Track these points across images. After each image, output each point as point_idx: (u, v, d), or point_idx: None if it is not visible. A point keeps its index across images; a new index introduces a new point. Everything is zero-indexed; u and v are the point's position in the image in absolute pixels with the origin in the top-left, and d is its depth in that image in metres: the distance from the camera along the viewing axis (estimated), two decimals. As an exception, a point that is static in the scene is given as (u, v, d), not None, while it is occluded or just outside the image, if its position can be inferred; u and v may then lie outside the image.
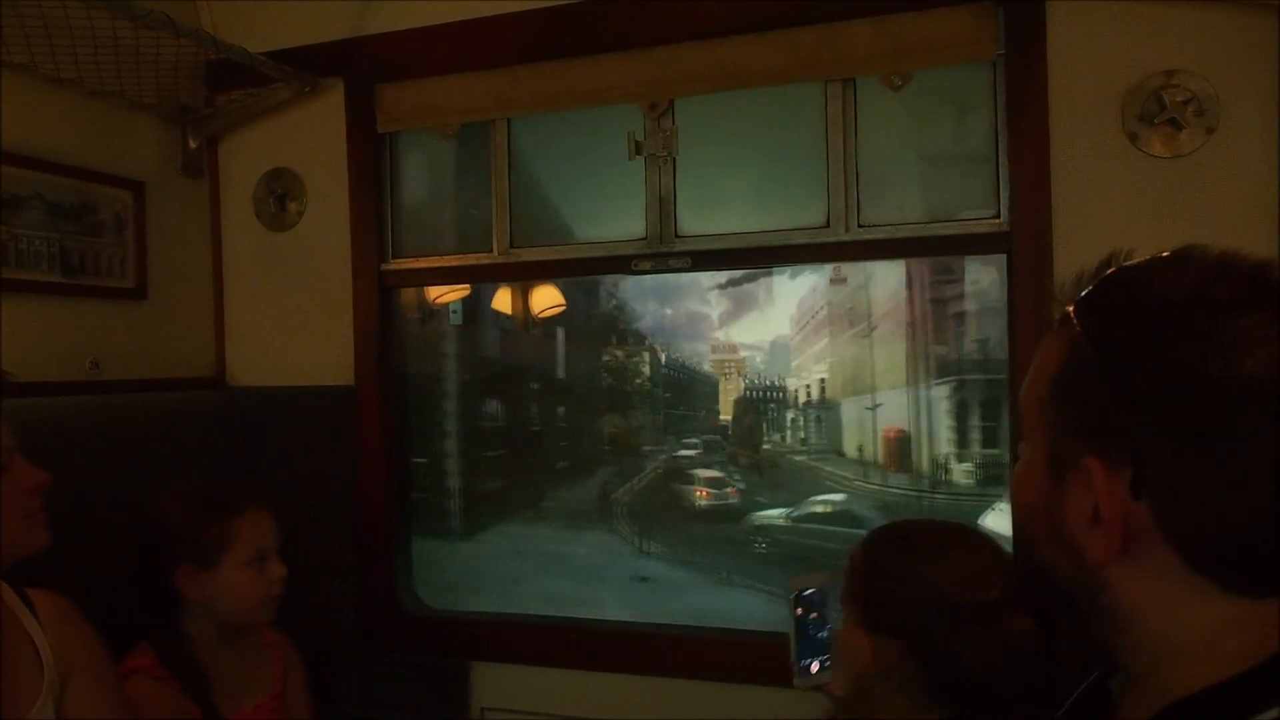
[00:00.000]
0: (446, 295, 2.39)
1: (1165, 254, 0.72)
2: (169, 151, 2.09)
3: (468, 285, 2.43)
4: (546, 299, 3.02)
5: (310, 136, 2.11)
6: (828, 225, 1.83)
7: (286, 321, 2.14)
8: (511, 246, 2.04)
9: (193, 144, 2.10)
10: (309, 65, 2.03)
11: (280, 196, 2.14)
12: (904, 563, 1.19)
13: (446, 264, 2.09)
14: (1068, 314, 0.73)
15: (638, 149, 1.91)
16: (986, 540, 1.23)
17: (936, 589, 1.15)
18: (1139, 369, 0.67)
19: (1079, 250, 0.73)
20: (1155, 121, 1.60)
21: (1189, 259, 0.70)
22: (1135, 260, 0.73)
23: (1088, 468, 0.69)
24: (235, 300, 2.19)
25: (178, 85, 2.02)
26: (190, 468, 1.92)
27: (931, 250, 1.85)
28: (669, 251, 1.92)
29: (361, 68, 2.04)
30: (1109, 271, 0.74)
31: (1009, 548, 1.27)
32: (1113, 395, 0.68)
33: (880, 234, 1.80)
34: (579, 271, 2.08)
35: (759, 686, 1.81)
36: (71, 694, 1.30)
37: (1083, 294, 0.73)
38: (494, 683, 2.01)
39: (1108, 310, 0.71)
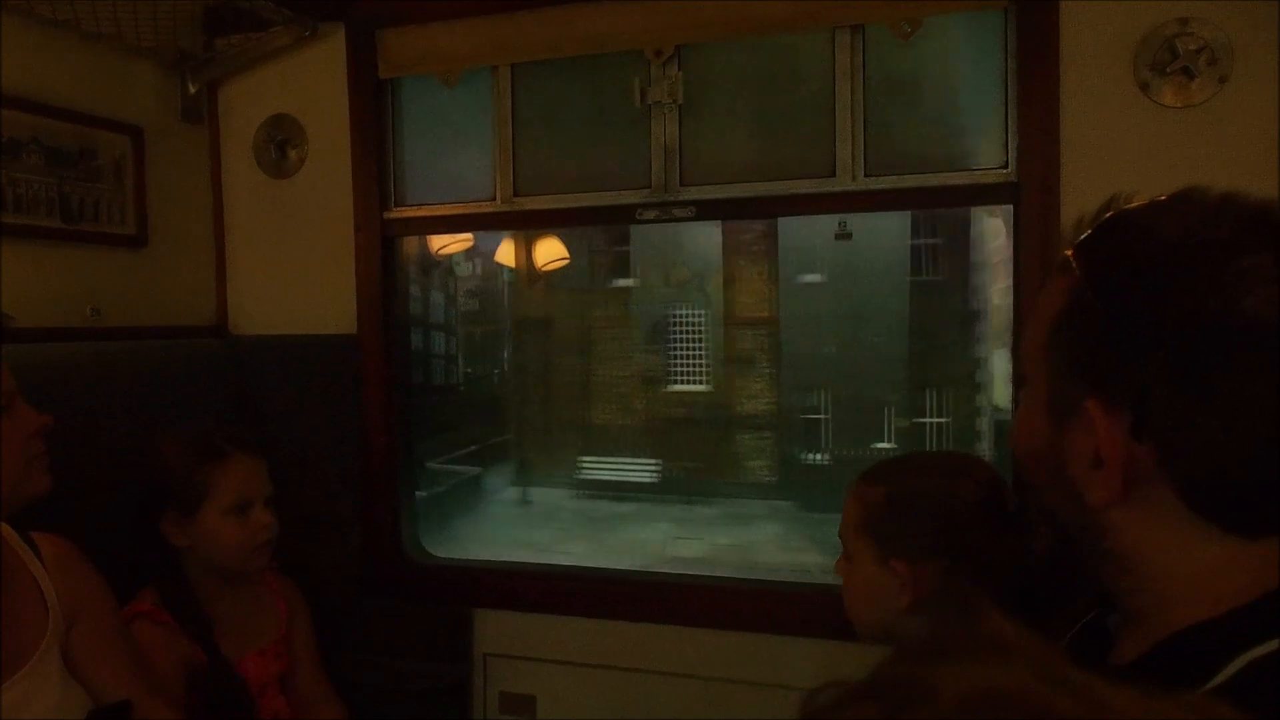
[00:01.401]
0: (449, 246, 2.38)
1: (1165, 197, 0.71)
2: (168, 97, 2.06)
3: (470, 236, 2.42)
4: (550, 252, 3.00)
5: (311, 82, 2.08)
6: (834, 175, 1.82)
7: (288, 270, 2.13)
8: (515, 195, 2.02)
9: (192, 89, 2.08)
10: (310, 9, 1.99)
11: (281, 143, 2.11)
12: (933, 485, 1.20)
13: (449, 212, 2.08)
14: (1067, 258, 0.73)
15: (643, 96, 1.89)
16: (986, 463, 1.26)
17: (969, 503, 1.17)
18: (1138, 311, 0.67)
19: (1087, 202, 0.73)
20: (1167, 70, 1.58)
21: (1189, 201, 0.69)
22: (1135, 204, 0.73)
23: (1088, 411, 0.69)
24: (236, 248, 2.18)
25: (176, 29, 1.99)
26: (191, 416, 1.92)
27: (938, 201, 1.84)
28: (674, 200, 1.90)
29: (363, 12, 2.01)
30: (1108, 215, 0.73)
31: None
32: (1112, 337, 0.68)
33: (887, 184, 1.79)
34: (583, 221, 2.07)
35: (760, 634, 1.84)
36: (77, 637, 1.31)
37: (1081, 238, 0.73)
38: (496, 629, 2.03)
39: (1107, 253, 0.71)
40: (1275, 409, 0.62)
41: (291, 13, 1.97)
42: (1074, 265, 0.72)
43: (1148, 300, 0.67)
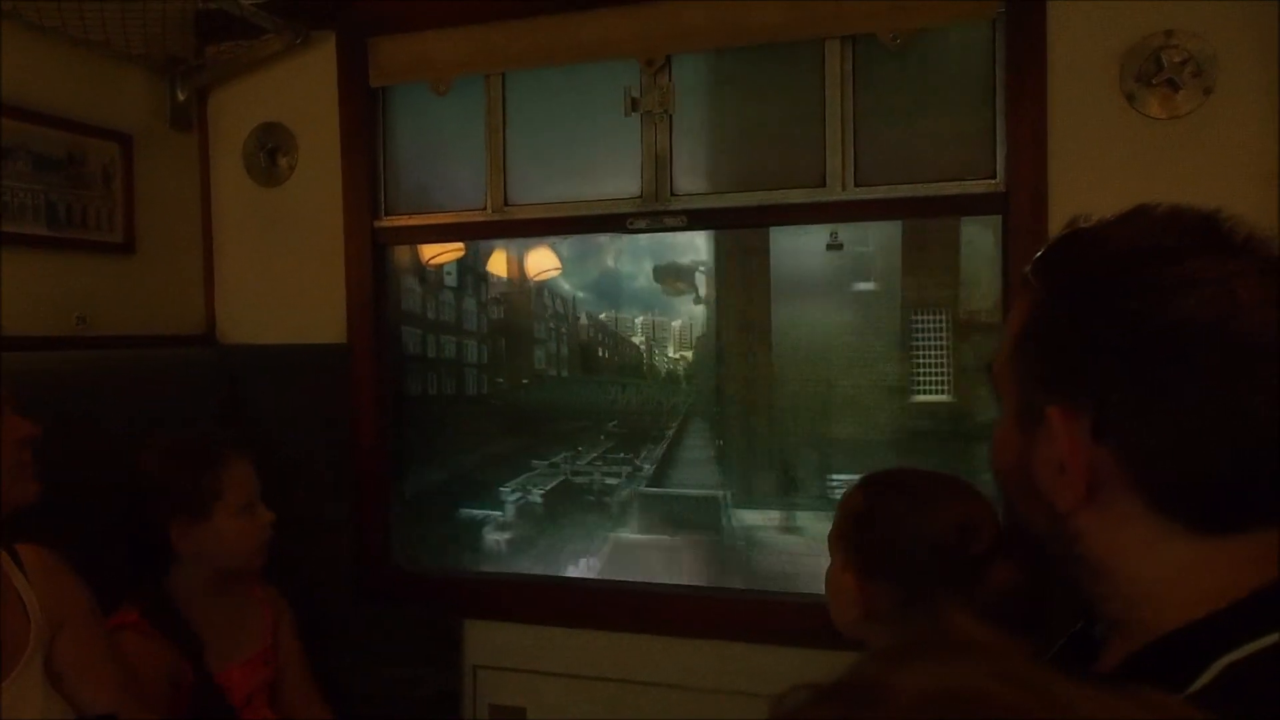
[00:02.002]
0: (441, 256, 2.37)
1: (1117, 214, 0.74)
2: (157, 104, 2.06)
3: (462, 245, 2.42)
4: (542, 262, 3.00)
5: (302, 90, 2.08)
6: (824, 185, 1.83)
7: (278, 278, 2.12)
8: (505, 204, 2.02)
9: (181, 96, 2.07)
10: (301, 17, 2.00)
11: (271, 151, 2.11)
12: (903, 512, 1.20)
13: (440, 221, 2.08)
14: (1026, 275, 0.76)
15: (634, 105, 1.90)
16: (977, 492, 1.24)
17: (932, 540, 1.16)
18: (1091, 316, 0.69)
19: (1074, 212, 0.76)
20: (1153, 82, 1.60)
21: (1138, 214, 0.72)
22: (1091, 222, 0.75)
23: (1050, 417, 0.70)
24: (225, 256, 2.17)
25: (166, 36, 1.98)
26: (180, 425, 1.90)
27: (928, 211, 1.85)
28: (664, 210, 1.91)
29: (354, 20, 2.02)
30: (1064, 231, 0.76)
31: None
32: (1069, 343, 0.70)
33: (877, 194, 1.80)
34: (573, 229, 2.07)
35: (752, 644, 1.84)
36: (60, 648, 1.29)
37: (1038, 254, 0.76)
38: (486, 640, 2.02)
39: (1061, 264, 0.74)
40: (1222, 405, 0.64)
41: (283, 20, 1.97)
42: (1032, 280, 0.75)
43: (1099, 306, 0.69)
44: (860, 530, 1.23)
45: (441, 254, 2.33)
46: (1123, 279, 0.68)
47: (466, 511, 2.97)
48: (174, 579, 1.64)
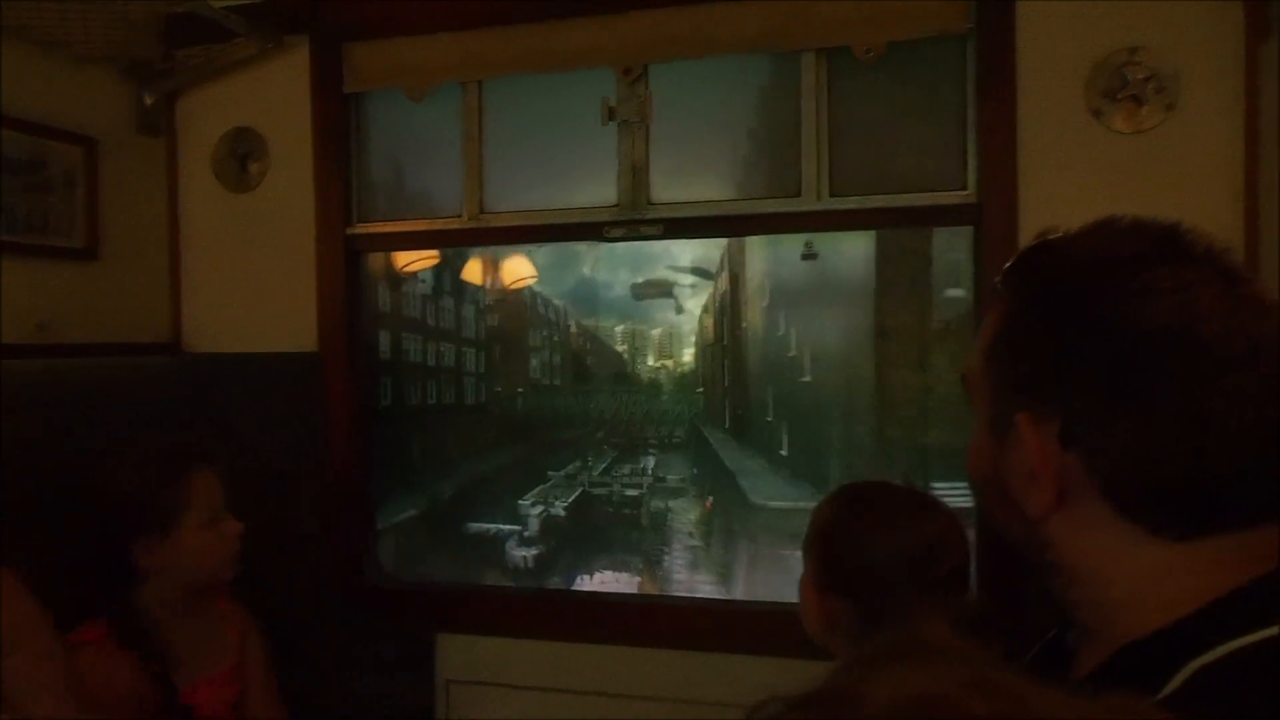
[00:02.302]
0: (414, 263, 2.35)
1: (1084, 226, 0.77)
2: (124, 108, 2.02)
3: (436, 252, 2.40)
4: (518, 270, 2.98)
5: (274, 95, 2.05)
6: (800, 195, 1.85)
7: (247, 285, 2.08)
8: (482, 211, 2.01)
9: (149, 100, 2.03)
10: (274, 21, 1.97)
11: (242, 157, 2.08)
12: (865, 531, 1.20)
13: (415, 228, 2.06)
14: (997, 284, 0.78)
15: (611, 115, 1.91)
16: (948, 514, 1.24)
17: (888, 561, 1.17)
18: (1058, 324, 0.71)
19: (1044, 223, 0.78)
20: (1118, 97, 1.65)
21: (1103, 226, 0.75)
22: (1058, 234, 0.78)
23: (1019, 425, 0.72)
24: (193, 263, 2.13)
25: (134, 38, 1.95)
26: (145, 436, 1.85)
27: (901, 221, 1.88)
28: (641, 218, 1.91)
29: (329, 25, 2.00)
30: (1034, 242, 0.78)
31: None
32: (1037, 352, 0.72)
33: (851, 204, 1.83)
34: (550, 237, 2.06)
35: (730, 654, 1.83)
36: (11, 668, 1.25)
37: (1007, 265, 0.78)
38: (459, 654, 1.99)
39: (1030, 274, 0.76)
40: (1180, 413, 0.65)
41: (255, 24, 1.94)
42: (1002, 289, 0.77)
43: (1065, 315, 0.71)
44: (824, 545, 1.24)
45: (415, 261, 2.31)
46: (1088, 288, 0.70)
47: (478, 526, 2.90)
48: (140, 594, 1.59)
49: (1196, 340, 0.65)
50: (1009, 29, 1.69)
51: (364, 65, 2.01)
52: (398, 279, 2.49)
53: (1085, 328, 0.69)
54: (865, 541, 1.19)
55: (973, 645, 0.44)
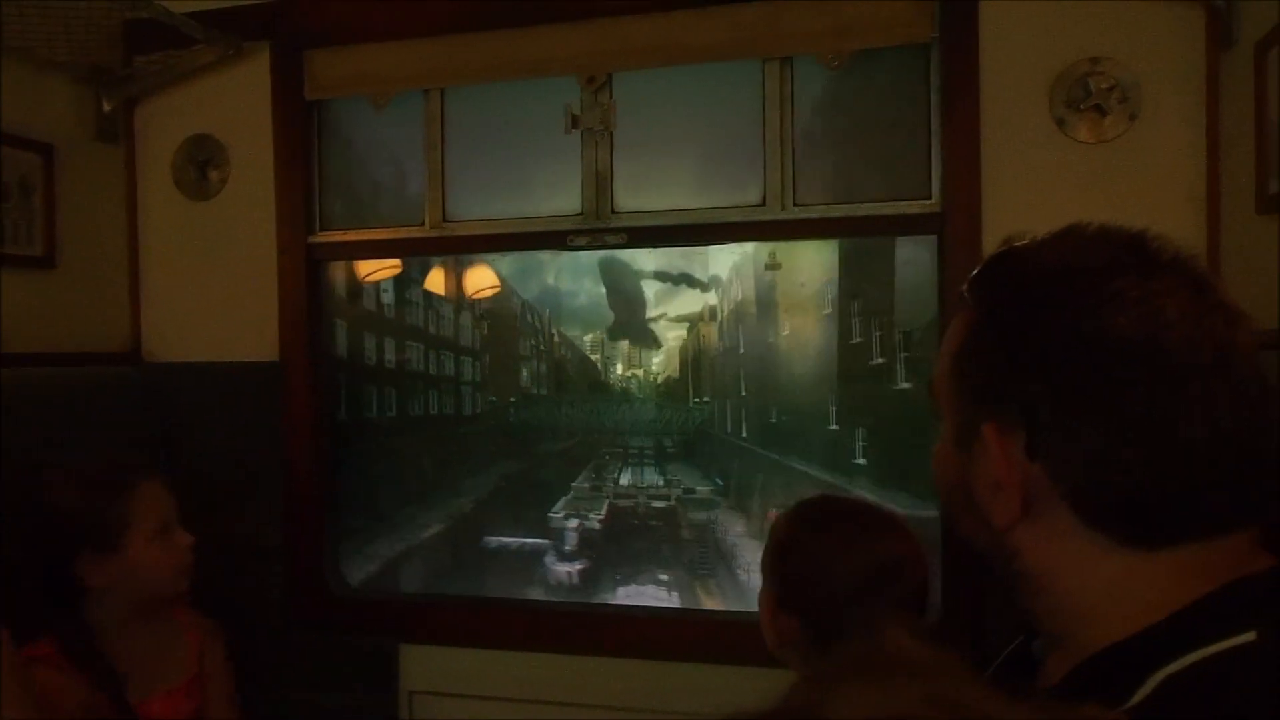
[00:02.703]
0: (377, 273, 2.33)
1: (1050, 233, 0.76)
2: (82, 114, 1.99)
3: (399, 262, 2.38)
4: (481, 280, 2.96)
5: (235, 102, 2.03)
6: (764, 204, 1.84)
7: (208, 294, 2.06)
8: (444, 220, 1.99)
9: (108, 107, 2.01)
10: (235, 27, 1.95)
11: (202, 164, 2.05)
12: (818, 552, 1.19)
13: (377, 237, 2.04)
14: (963, 293, 0.78)
15: (574, 123, 1.89)
16: (907, 534, 1.23)
17: (841, 581, 1.16)
18: (1023, 334, 0.70)
19: (1008, 233, 0.77)
20: (1081, 107, 1.64)
21: (1069, 234, 0.74)
22: (1024, 241, 0.77)
23: (985, 435, 0.71)
24: (152, 271, 2.10)
25: (92, 44, 1.92)
26: (104, 447, 1.84)
27: (865, 230, 1.87)
28: (605, 227, 1.90)
29: (290, 32, 1.98)
30: (998, 250, 0.78)
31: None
32: (1002, 361, 0.72)
33: (815, 213, 1.82)
34: (513, 246, 2.05)
35: (696, 664, 1.82)
36: None
37: (973, 273, 0.78)
38: (423, 665, 1.97)
39: (994, 283, 0.75)
40: (1147, 421, 0.65)
41: (215, 31, 1.92)
42: (967, 298, 0.77)
43: (1030, 324, 0.70)
44: (779, 561, 1.23)
45: (378, 270, 2.30)
46: (1053, 298, 0.70)
47: (498, 540, 2.83)
48: (90, 609, 1.56)
49: (1162, 349, 0.65)
50: (973, 38, 1.68)
51: (325, 72, 1.99)
52: (361, 288, 2.47)
53: (1050, 338, 0.68)
54: (819, 560, 1.18)
55: (935, 655, 0.43)
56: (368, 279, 2.34)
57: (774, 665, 1.27)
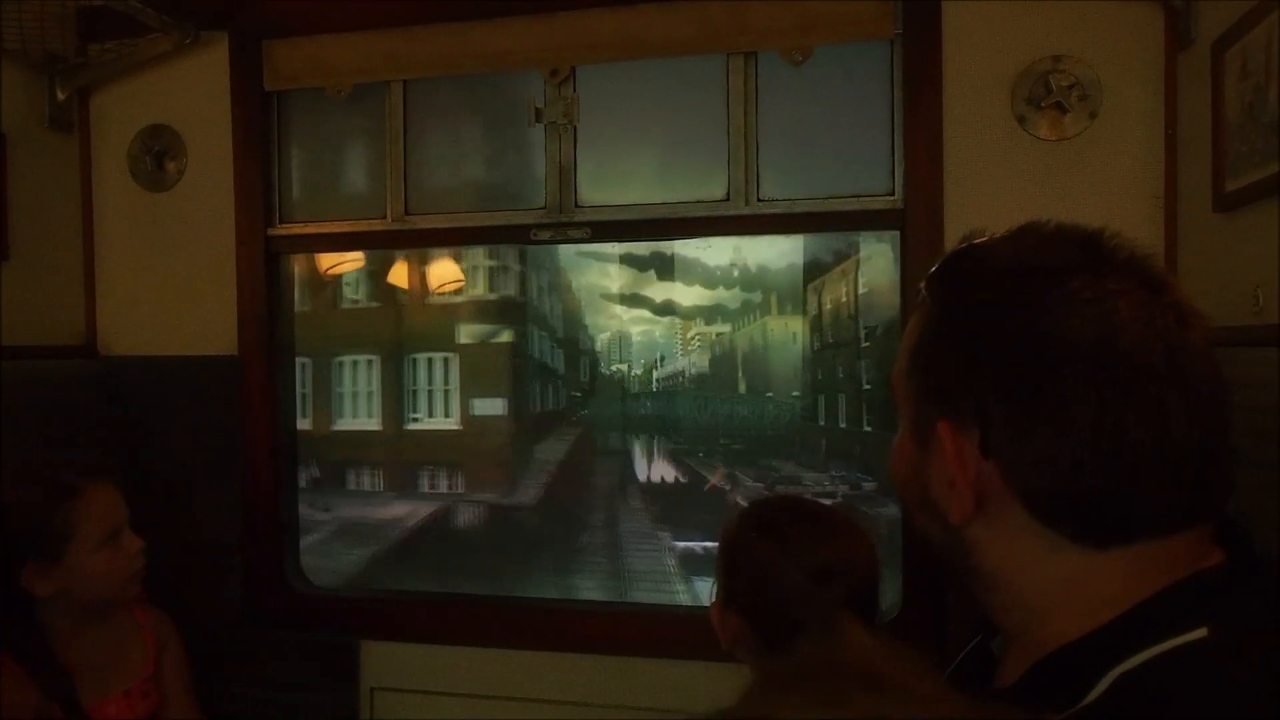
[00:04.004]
0: (339, 266, 2.31)
1: (1008, 231, 0.76)
2: (34, 102, 1.95)
3: (361, 255, 2.35)
4: (444, 274, 2.93)
5: (192, 92, 2.00)
6: (728, 199, 1.83)
7: (165, 287, 2.03)
8: (406, 214, 1.97)
9: (61, 95, 1.97)
10: (192, 16, 1.92)
11: (158, 155, 2.02)
12: (764, 554, 1.19)
13: (338, 230, 2.02)
14: (921, 290, 0.78)
15: (538, 116, 1.88)
16: (856, 534, 1.22)
17: (783, 582, 1.15)
18: (978, 333, 0.71)
19: (969, 229, 0.77)
20: (1042, 105, 1.65)
21: (1027, 232, 0.75)
22: (983, 238, 0.77)
23: (939, 432, 0.72)
24: (108, 263, 2.07)
25: (45, 31, 1.89)
26: (59, 442, 1.80)
27: (828, 225, 1.87)
28: (569, 221, 1.89)
29: (248, 21, 1.95)
30: (957, 247, 0.78)
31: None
32: (957, 360, 0.72)
33: (778, 208, 1.82)
34: (476, 240, 2.04)
35: (655, 659, 1.82)
36: None
37: (931, 270, 0.78)
38: (383, 661, 1.96)
39: (951, 281, 0.76)
40: (1099, 424, 0.65)
41: (171, 19, 1.88)
42: (925, 295, 0.77)
43: (986, 323, 0.71)
44: (726, 562, 1.22)
45: (340, 264, 2.27)
46: (1007, 297, 0.70)
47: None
48: (41, 614, 1.53)
49: (1114, 351, 0.65)
50: (935, 36, 1.68)
51: (285, 63, 1.96)
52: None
53: (1004, 339, 0.69)
54: (765, 561, 1.18)
55: (894, 656, 0.42)
56: (329, 272, 2.31)
57: (734, 660, 1.27)
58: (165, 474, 1.96)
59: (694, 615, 1.89)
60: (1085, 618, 0.67)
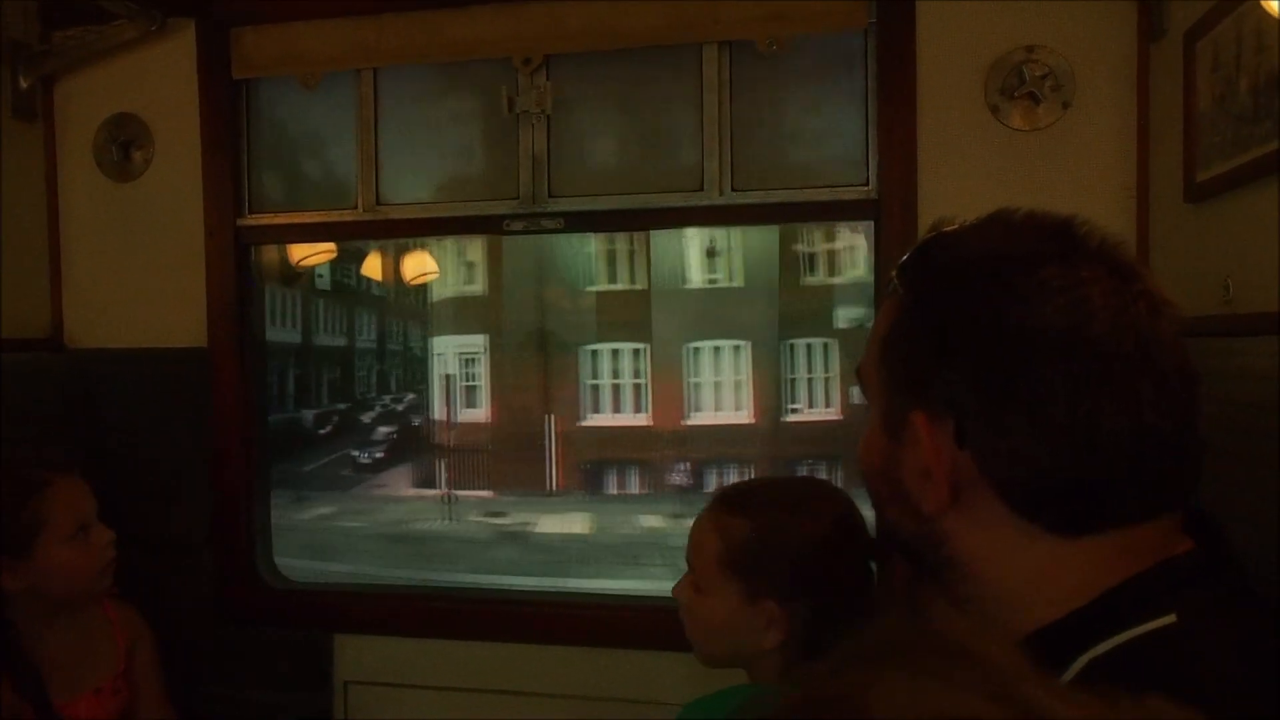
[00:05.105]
0: (312, 257, 2.29)
1: (978, 219, 0.75)
2: (-3, 90, 1.92)
3: (334, 247, 2.33)
4: (418, 266, 2.91)
5: (159, 80, 1.97)
6: (702, 189, 1.82)
7: (132, 278, 2.00)
8: (378, 203, 1.95)
9: (24, 84, 1.93)
10: (158, 3, 1.88)
11: (124, 144, 1.99)
12: (787, 523, 1.16)
13: (308, 220, 2.00)
14: (892, 278, 0.77)
15: (510, 105, 1.86)
16: (833, 487, 1.24)
17: (818, 541, 1.14)
18: (950, 322, 0.70)
19: (940, 217, 0.77)
20: (1015, 95, 1.65)
21: (997, 220, 0.74)
22: (953, 226, 0.76)
23: (913, 423, 0.71)
24: (74, 255, 2.04)
25: (7, 18, 1.85)
26: (26, 436, 1.77)
27: (802, 216, 1.88)
28: (542, 212, 1.87)
29: (216, 9, 1.91)
30: (928, 235, 0.77)
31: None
32: (929, 349, 0.71)
33: (753, 198, 1.81)
34: (449, 231, 2.02)
35: (630, 650, 1.82)
36: None
37: (903, 259, 0.77)
38: (357, 655, 1.95)
39: (922, 269, 0.75)
40: (1070, 414, 0.65)
41: (137, 6, 1.85)
42: (897, 284, 0.76)
43: (958, 311, 0.70)
44: (760, 555, 1.16)
45: (312, 255, 2.25)
46: (978, 286, 0.69)
47: None
48: (9, 609, 1.52)
49: (1085, 340, 0.65)
50: (909, 25, 1.68)
51: (253, 51, 1.93)
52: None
53: (976, 328, 0.68)
54: (794, 535, 1.15)
55: (994, 638, 0.39)
56: (302, 263, 2.29)
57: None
58: (134, 468, 1.94)
59: (667, 606, 1.89)
60: (1056, 605, 0.67)
